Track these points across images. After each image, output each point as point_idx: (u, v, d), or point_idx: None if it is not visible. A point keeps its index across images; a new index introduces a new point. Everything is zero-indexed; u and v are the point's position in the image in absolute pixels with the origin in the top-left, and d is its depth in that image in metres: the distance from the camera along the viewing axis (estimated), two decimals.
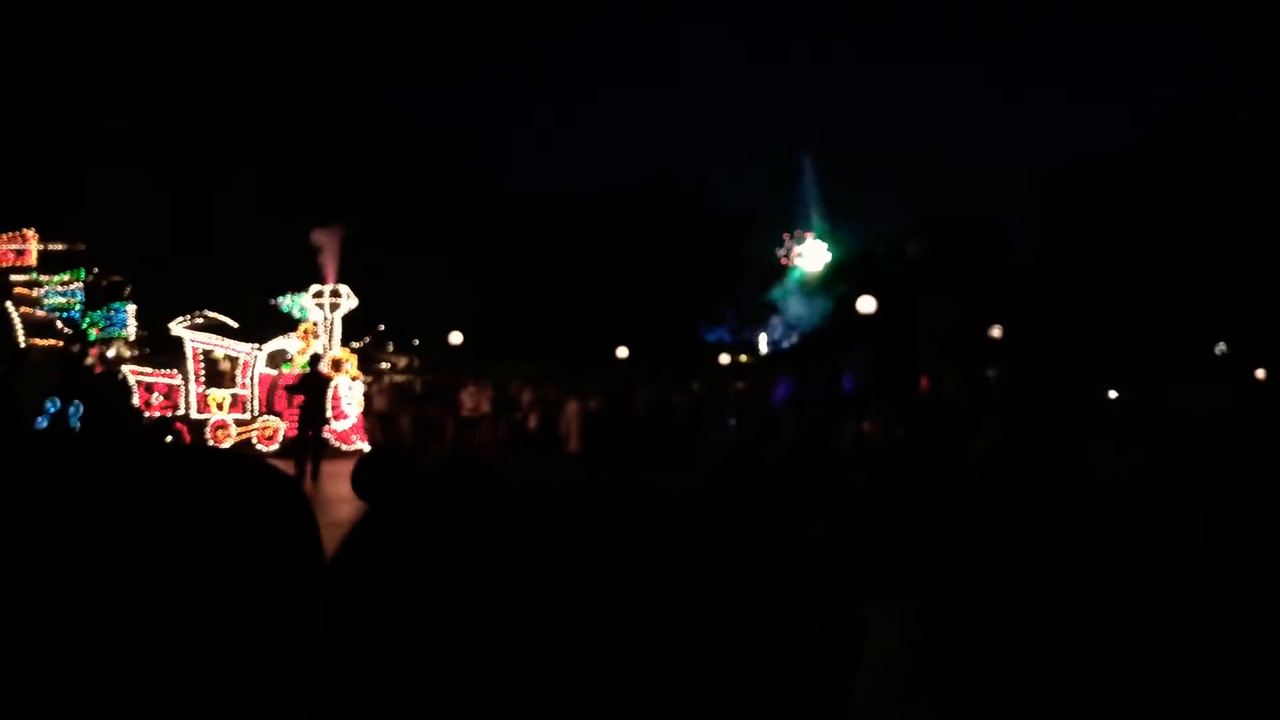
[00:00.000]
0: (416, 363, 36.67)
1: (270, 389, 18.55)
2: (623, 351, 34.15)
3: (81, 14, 31.60)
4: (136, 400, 17.82)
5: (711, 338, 46.40)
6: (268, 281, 30.72)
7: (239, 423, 18.17)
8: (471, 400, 22.97)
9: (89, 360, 18.13)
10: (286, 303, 19.57)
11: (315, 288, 19.68)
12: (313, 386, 15.40)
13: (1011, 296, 34.57)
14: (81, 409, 12.88)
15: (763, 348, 45.21)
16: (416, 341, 38.58)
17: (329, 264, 19.50)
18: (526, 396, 24.00)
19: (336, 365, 18.61)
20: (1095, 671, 5.47)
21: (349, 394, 18.49)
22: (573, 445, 22.40)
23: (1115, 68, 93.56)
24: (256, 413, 18.39)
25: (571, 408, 23.05)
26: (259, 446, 17.73)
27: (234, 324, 19.70)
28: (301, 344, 18.87)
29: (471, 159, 39.92)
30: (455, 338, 32.07)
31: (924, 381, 15.90)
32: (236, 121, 31.52)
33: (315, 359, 17.55)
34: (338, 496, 11.93)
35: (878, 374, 16.40)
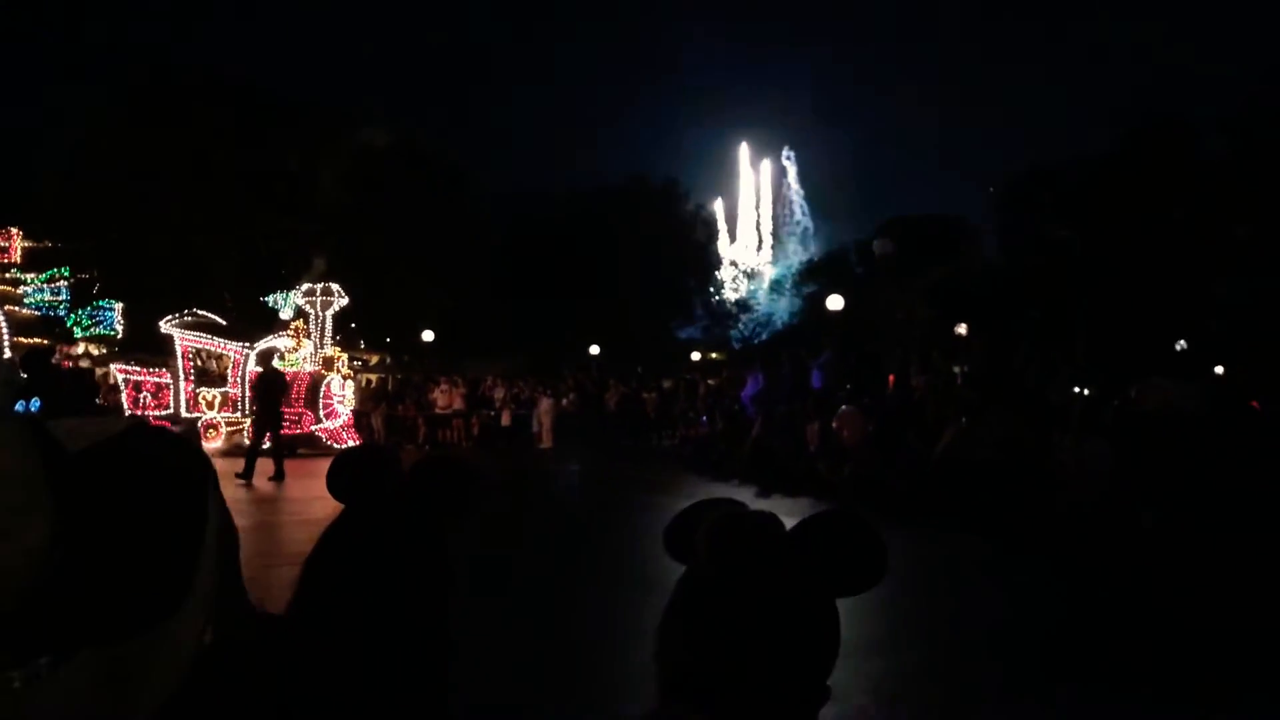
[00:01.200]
0: (388, 360, 36.54)
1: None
2: (595, 349, 34.26)
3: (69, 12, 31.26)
4: (124, 398, 17.71)
5: (683, 335, 46.59)
6: (254, 278, 30.62)
7: (229, 421, 18.10)
8: (444, 397, 23.02)
9: (55, 358, 17.93)
10: (277, 300, 19.48)
11: (306, 285, 19.56)
12: (269, 384, 14.83)
13: (977, 294, 35.06)
14: (39, 405, 12.72)
15: (734, 345, 45.48)
16: (388, 339, 38.44)
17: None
18: (499, 393, 24.06)
19: (328, 363, 18.51)
20: (1053, 664, 5.65)
21: (340, 392, 18.35)
22: (546, 441, 22.51)
23: (1081, 68, 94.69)
24: (246, 411, 18.25)
25: (544, 404, 23.16)
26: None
27: (223, 322, 19.56)
28: (293, 342, 18.72)
29: (445, 156, 39.77)
30: (427, 335, 32.00)
31: (891, 379, 16.10)
32: (213, 118, 31.26)
33: (268, 355, 17.41)
34: (314, 495, 11.98)
35: (846, 371, 16.59)
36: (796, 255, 53.93)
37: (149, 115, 30.84)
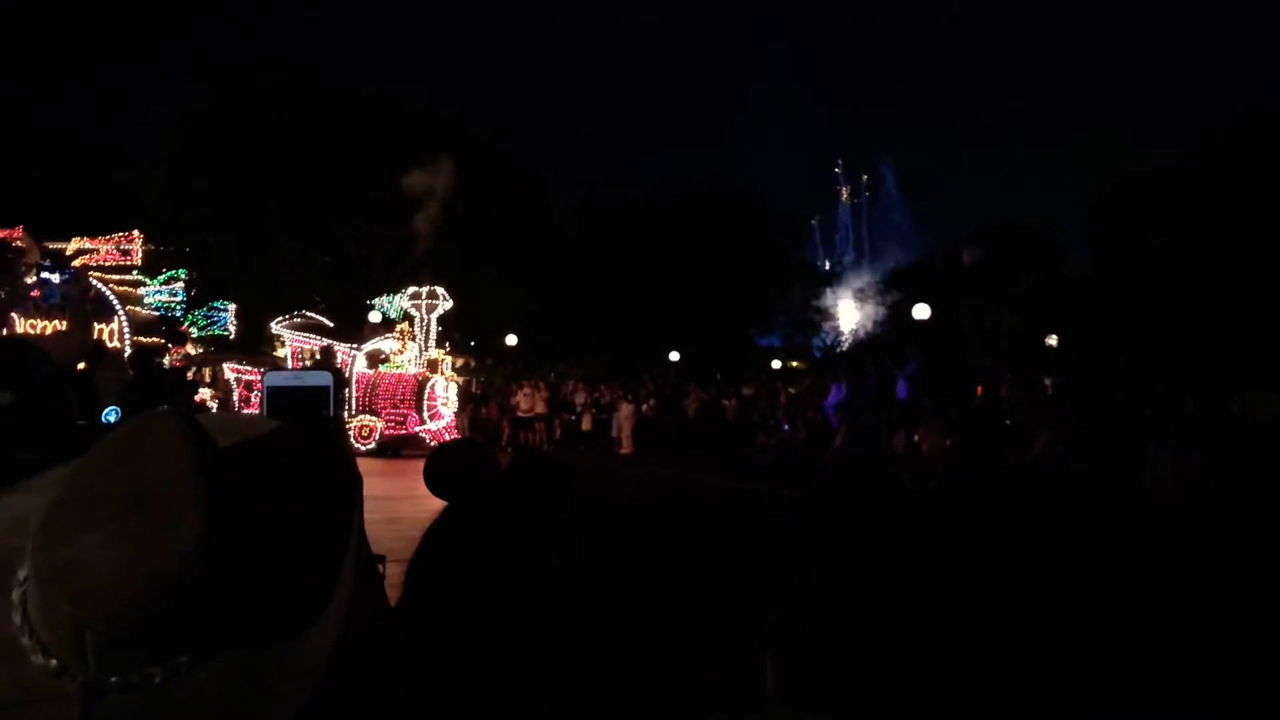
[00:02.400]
0: (473, 363, 37.10)
1: (368, 388, 18.82)
2: (675, 354, 34.24)
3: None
4: (235, 396, 18.29)
5: (764, 342, 46.29)
6: (343, 281, 31.37)
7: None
8: (527, 401, 23.26)
9: (168, 358, 18.62)
10: (383, 303, 19.99)
11: (412, 289, 19.89)
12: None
13: (1068, 305, 34.10)
14: (119, 414, 13.09)
15: (815, 353, 45.03)
16: (473, 342, 39.01)
17: (431, 212, 19.63)
18: (580, 398, 24.24)
19: (433, 366, 18.84)
20: (1150, 676, 5.49)
21: (444, 394, 18.62)
22: (625, 447, 22.58)
23: (1178, 79, 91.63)
24: (354, 411, 18.62)
25: (624, 410, 23.24)
26: (356, 445, 17.91)
27: (330, 324, 20.05)
28: (399, 344, 19.09)
29: (527, 163, 40.27)
30: (510, 339, 32.39)
31: (979, 390, 15.79)
32: (304, 123, 32.06)
33: (326, 352, 17.72)
34: (400, 494, 12.24)
35: (932, 382, 16.31)
36: (897, 262, 53.06)
37: (241, 120, 31.81)
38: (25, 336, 15.68)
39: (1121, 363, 13.61)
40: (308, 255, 33.35)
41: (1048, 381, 15.54)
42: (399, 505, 10.58)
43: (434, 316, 19.53)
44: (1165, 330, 28.73)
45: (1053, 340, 28.96)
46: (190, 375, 19.49)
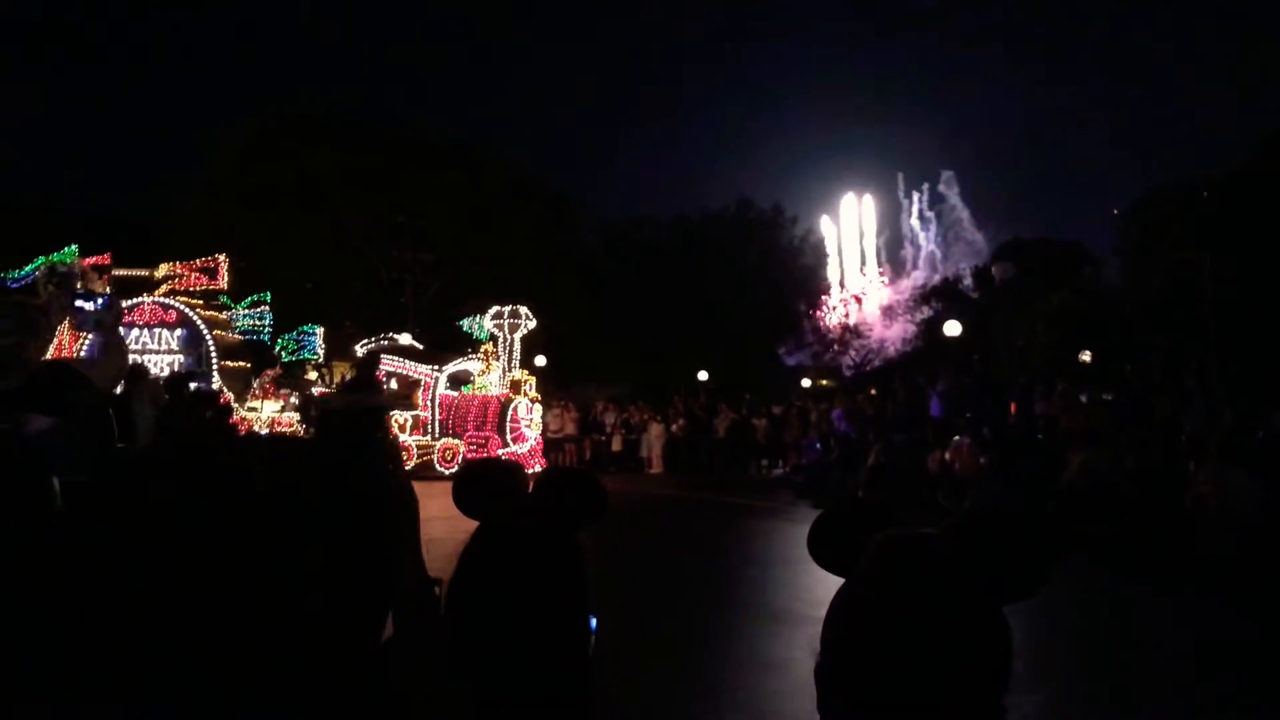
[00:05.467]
0: None
1: (450, 411, 18.56)
2: (703, 375, 34.17)
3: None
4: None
5: (792, 361, 46.10)
6: (373, 305, 31.61)
7: (419, 445, 18.32)
8: (556, 421, 23.27)
9: (257, 382, 18.49)
10: (471, 324, 19.76)
11: (495, 308, 19.58)
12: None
13: (1101, 319, 33.76)
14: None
15: (846, 371, 44.73)
16: None
17: None
18: (610, 418, 24.21)
19: (515, 386, 18.49)
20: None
21: (528, 415, 18.25)
22: (656, 467, 22.53)
23: (1207, 92, 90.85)
24: (437, 434, 18.52)
25: (654, 430, 23.19)
26: (439, 468, 17.68)
27: (420, 346, 19.90)
28: (482, 365, 18.78)
29: (554, 184, 40.47)
30: (540, 360, 32.48)
31: (1013, 407, 15.61)
32: (334, 150, 32.44)
33: (365, 363, 16.76)
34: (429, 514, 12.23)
35: (966, 399, 16.14)
36: (906, 281, 52.70)
37: (273, 150, 32.27)
38: (69, 360, 15.85)
39: (1159, 378, 13.39)
40: (339, 278, 33.67)
41: (1083, 398, 15.35)
42: (428, 527, 10.57)
43: (517, 336, 19.24)
44: (1200, 344, 28.36)
45: (1086, 356, 28.63)
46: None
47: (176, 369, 18.36)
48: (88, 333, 17.68)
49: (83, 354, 16.63)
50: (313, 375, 21.17)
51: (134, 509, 2.97)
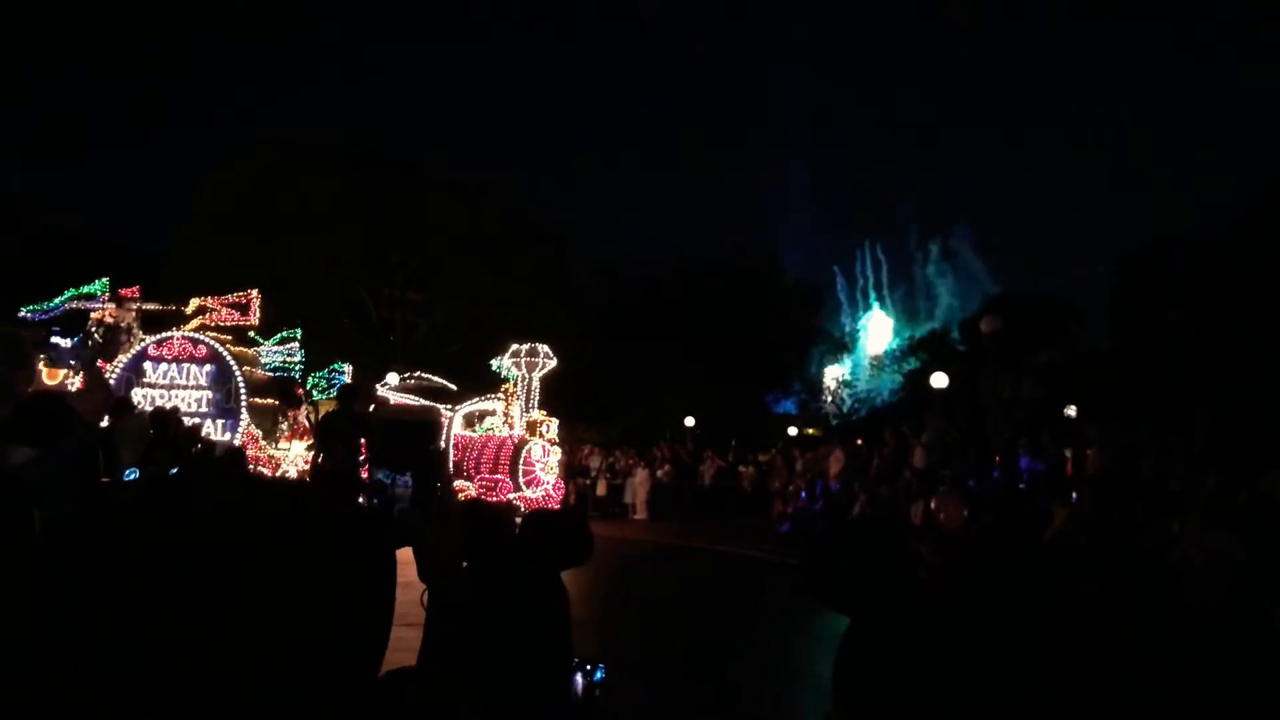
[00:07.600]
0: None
1: (464, 452, 17.75)
2: (690, 421, 34.16)
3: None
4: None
5: (779, 409, 46.17)
6: (363, 343, 31.51)
7: None
8: None
9: (284, 423, 17.94)
10: (499, 365, 18.52)
11: (513, 346, 18.83)
12: (329, 430, 11.58)
13: (1088, 376, 33.92)
14: (135, 474, 12.89)
15: (832, 420, 44.85)
16: None
17: None
18: (595, 462, 24.16)
19: (531, 428, 17.60)
20: None
21: (543, 459, 17.25)
22: (640, 513, 22.44)
23: (1201, 147, 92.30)
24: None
25: (640, 475, 23.15)
26: None
27: (453, 386, 19.27)
28: (502, 404, 18.03)
29: (549, 225, 40.57)
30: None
31: (997, 459, 15.69)
32: (323, 185, 32.51)
33: (348, 391, 15.05)
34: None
35: (950, 451, 16.20)
36: (890, 333, 53.14)
37: (260, 185, 32.32)
38: (59, 392, 15.60)
39: (1144, 437, 13.47)
40: (329, 315, 33.60)
41: (1067, 454, 15.40)
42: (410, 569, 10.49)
43: (535, 375, 18.26)
44: (1187, 403, 28.48)
45: (1071, 411, 28.72)
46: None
47: (204, 406, 17.95)
48: (63, 369, 17.48)
49: (69, 387, 16.47)
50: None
51: (135, 538, 2.95)
